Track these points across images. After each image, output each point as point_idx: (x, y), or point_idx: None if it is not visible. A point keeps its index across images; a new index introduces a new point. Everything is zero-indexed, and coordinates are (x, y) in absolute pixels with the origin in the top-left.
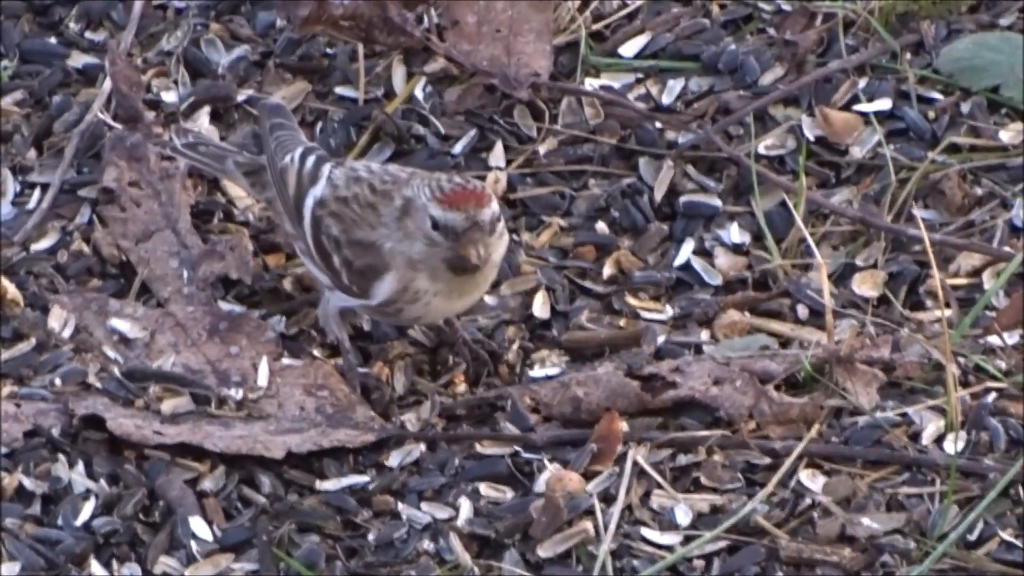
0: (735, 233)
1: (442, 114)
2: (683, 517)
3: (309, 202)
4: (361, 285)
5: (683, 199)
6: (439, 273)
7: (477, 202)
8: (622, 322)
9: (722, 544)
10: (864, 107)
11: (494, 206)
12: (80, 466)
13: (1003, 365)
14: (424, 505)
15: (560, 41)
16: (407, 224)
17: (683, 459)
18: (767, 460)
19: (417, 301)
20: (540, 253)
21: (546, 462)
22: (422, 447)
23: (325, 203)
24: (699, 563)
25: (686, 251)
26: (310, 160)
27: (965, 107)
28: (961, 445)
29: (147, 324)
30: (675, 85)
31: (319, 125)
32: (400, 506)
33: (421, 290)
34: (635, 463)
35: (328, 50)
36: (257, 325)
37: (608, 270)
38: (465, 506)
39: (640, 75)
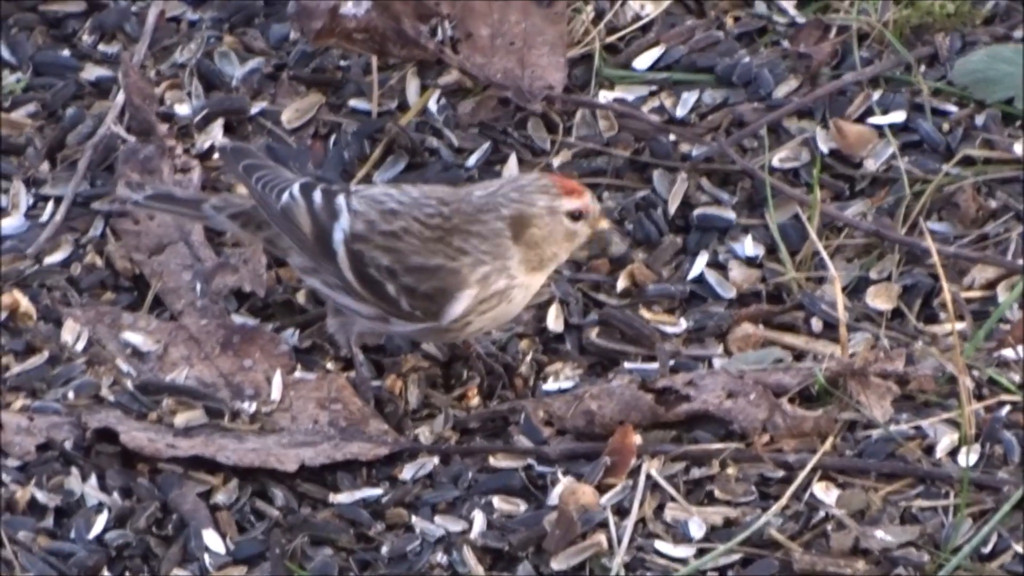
0: (749, 246)
1: (456, 127)
2: (697, 530)
3: (338, 237)
4: (429, 308)
5: (697, 212)
6: (523, 270)
7: (580, 187)
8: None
9: (736, 557)
10: (878, 120)
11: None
12: (93, 479)
13: (1017, 378)
14: (437, 518)
15: (574, 54)
16: (527, 237)
17: (697, 472)
18: (781, 473)
19: (499, 303)
20: None
21: (560, 475)
22: (435, 460)
23: (364, 238)
24: None
25: (700, 264)
26: (317, 195)
27: (979, 119)
28: (975, 458)
29: (160, 337)
30: (689, 98)
31: (332, 138)
32: (413, 519)
33: (509, 288)
34: (649, 476)
35: (342, 62)
36: (270, 338)
37: (622, 283)
38: (478, 519)
39: (654, 88)
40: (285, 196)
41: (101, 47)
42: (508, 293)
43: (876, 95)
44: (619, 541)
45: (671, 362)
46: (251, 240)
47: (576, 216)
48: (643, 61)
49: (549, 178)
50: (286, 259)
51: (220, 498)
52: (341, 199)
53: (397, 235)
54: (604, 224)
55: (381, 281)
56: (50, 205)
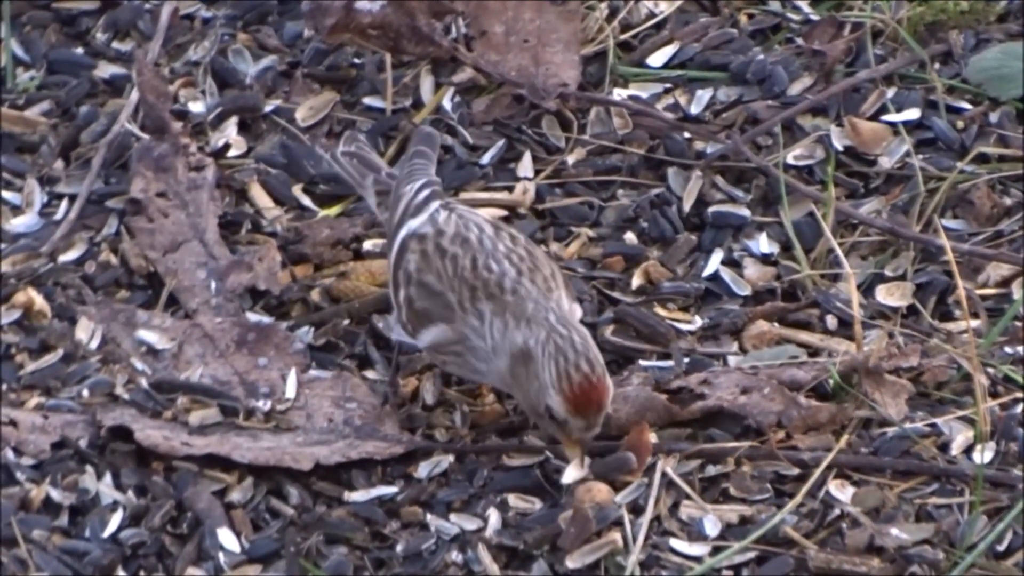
0: (764, 243)
1: (470, 124)
2: (712, 528)
3: (403, 232)
4: (415, 325)
5: (711, 209)
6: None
7: (599, 406)
8: None
9: (751, 555)
10: (893, 117)
11: (610, 400)
12: (108, 478)
13: None
14: (452, 516)
15: (588, 51)
16: (518, 367)
17: (712, 470)
18: (796, 471)
19: (464, 366)
20: (569, 264)
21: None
22: (450, 458)
23: (422, 239)
24: (728, 574)
25: (715, 261)
26: (423, 193)
27: (994, 117)
28: (990, 455)
29: (175, 335)
30: (703, 95)
31: (346, 135)
32: (428, 517)
33: (472, 364)
34: (664, 474)
35: (356, 60)
36: (285, 337)
37: (637, 280)
38: (493, 517)
39: (668, 85)
40: (407, 186)
41: (115, 45)
42: (473, 355)
43: (890, 92)
44: (634, 539)
45: (686, 360)
46: (380, 219)
47: (561, 423)
48: (657, 59)
49: (584, 369)
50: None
51: (235, 496)
52: (435, 204)
53: (444, 255)
54: (573, 454)
55: (400, 285)
56: (64, 203)
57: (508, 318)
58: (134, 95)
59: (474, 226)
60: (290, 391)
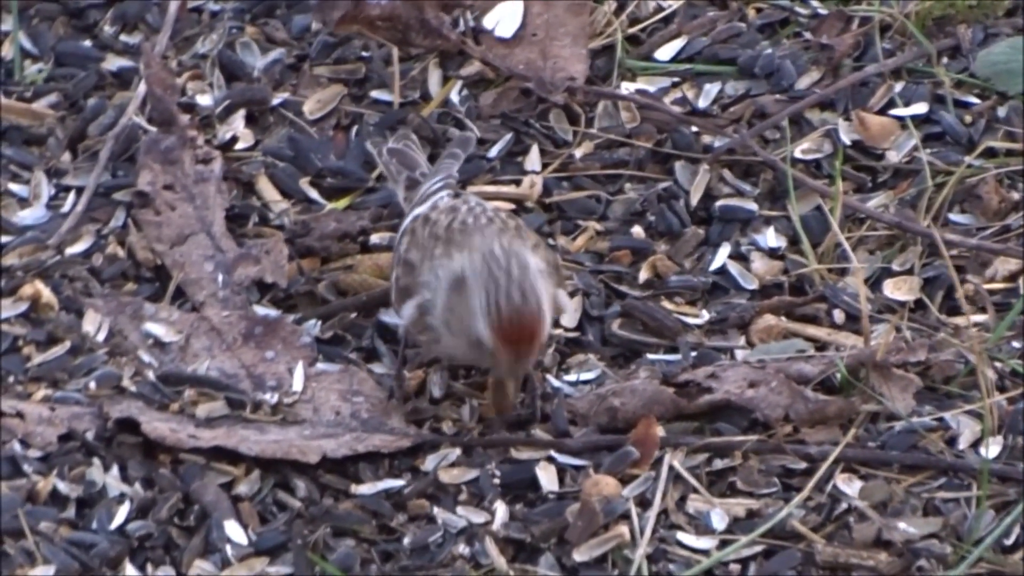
0: (771, 237)
1: (478, 118)
2: (719, 522)
3: (408, 219)
4: (399, 303)
5: (719, 203)
6: (467, 347)
7: (530, 338)
8: None
9: (758, 549)
10: (900, 111)
11: (546, 332)
12: (115, 470)
13: None
14: (459, 509)
15: (596, 45)
16: (453, 296)
17: (719, 463)
18: (803, 465)
19: (436, 342)
20: (576, 257)
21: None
22: (458, 451)
23: (417, 219)
24: (735, 567)
25: (722, 255)
26: (437, 185)
27: (1002, 111)
28: (997, 450)
29: (182, 328)
30: (711, 89)
31: (355, 128)
32: (436, 510)
33: (440, 334)
34: (671, 467)
35: (364, 53)
36: (292, 330)
37: (644, 274)
38: (500, 510)
39: (676, 79)
40: (428, 180)
41: (123, 37)
42: (432, 317)
43: (898, 87)
44: (641, 532)
45: (693, 353)
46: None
47: (479, 343)
48: (665, 52)
49: (515, 300)
50: None
51: (242, 489)
52: (444, 193)
53: (427, 223)
54: (509, 394)
55: (394, 266)
56: (71, 196)
57: (452, 251)
58: (142, 88)
59: (475, 203)
60: (297, 384)
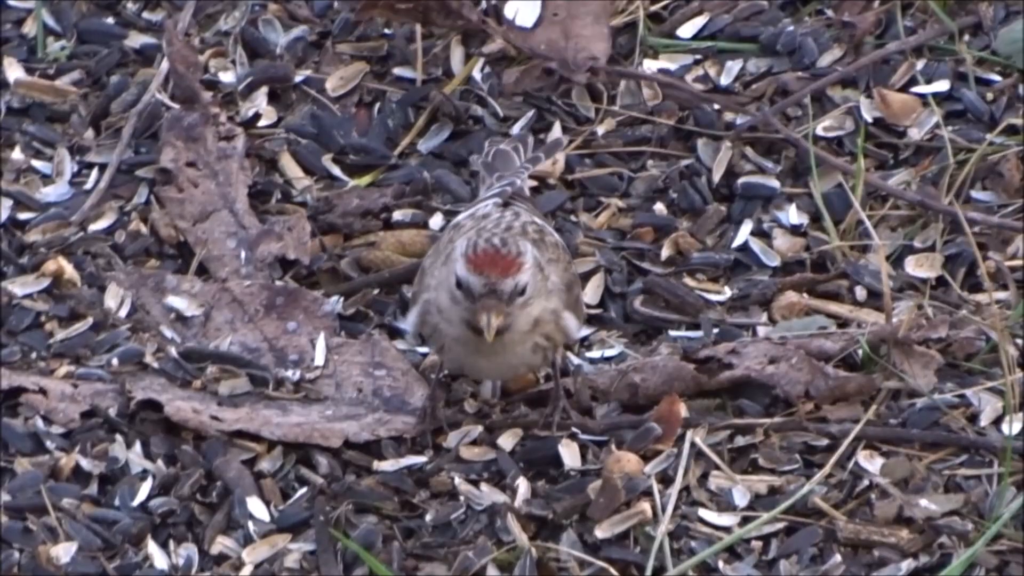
0: (793, 215)
1: (500, 95)
2: (741, 498)
3: (450, 224)
4: (411, 303)
5: (741, 180)
6: (459, 325)
7: (502, 270)
8: None
9: (780, 525)
10: (922, 89)
11: (522, 277)
12: (137, 446)
13: None
14: (482, 486)
15: (618, 22)
16: (444, 271)
17: (741, 440)
18: (825, 441)
19: (442, 347)
20: (598, 234)
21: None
22: (480, 428)
23: (452, 225)
24: (757, 544)
25: (744, 232)
26: (491, 192)
27: (1023, 89)
28: (1019, 427)
29: (204, 300)
30: (733, 66)
31: (377, 106)
32: (458, 486)
33: (442, 332)
34: (693, 444)
35: (386, 31)
36: (314, 299)
37: (666, 251)
38: (522, 487)
39: (698, 56)
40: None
41: (145, 15)
42: (444, 339)
43: (920, 64)
44: (663, 509)
45: (715, 330)
46: None
47: (458, 284)
48: (687, 30)
49: (494, 242)
50: None
51: (264, 465)
52: (490, 201)
53: (448, 227)
54: (482, 322)
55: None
56: (95, 172)
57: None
58: (164, 65)
59: (511, 214)
60: (319, 358)
